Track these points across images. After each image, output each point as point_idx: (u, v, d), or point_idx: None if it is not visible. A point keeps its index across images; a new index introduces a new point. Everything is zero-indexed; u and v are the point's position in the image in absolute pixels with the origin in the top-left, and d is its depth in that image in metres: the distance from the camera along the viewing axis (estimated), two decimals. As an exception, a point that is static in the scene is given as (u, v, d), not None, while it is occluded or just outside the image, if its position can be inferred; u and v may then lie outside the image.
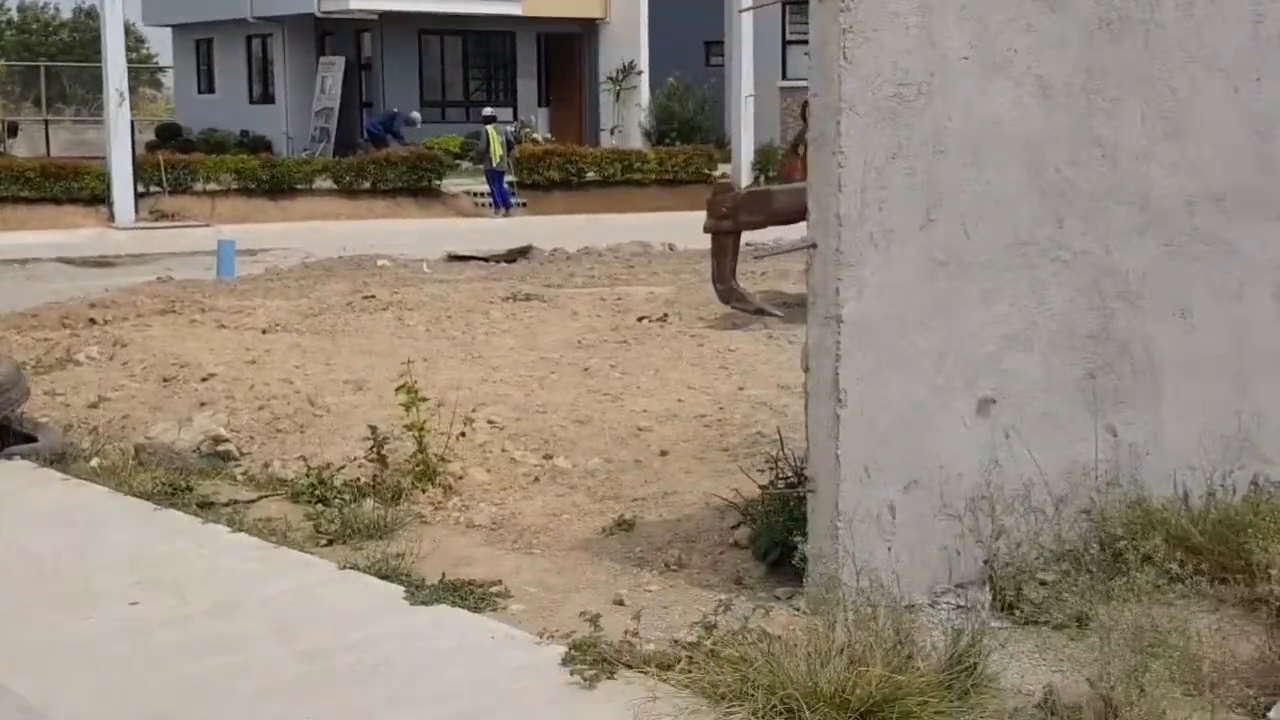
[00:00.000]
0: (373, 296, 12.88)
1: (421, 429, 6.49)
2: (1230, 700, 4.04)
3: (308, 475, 6.47)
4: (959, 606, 4.79)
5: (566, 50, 34.39)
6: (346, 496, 6.30)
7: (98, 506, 6.25)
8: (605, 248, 19.08)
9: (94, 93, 53.26)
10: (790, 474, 5.39)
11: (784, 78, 32.38)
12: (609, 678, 4.10)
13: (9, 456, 7.16)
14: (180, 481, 6.55)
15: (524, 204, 27.81)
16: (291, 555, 5.49)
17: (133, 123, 24.55)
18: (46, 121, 35.38)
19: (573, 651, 4.27)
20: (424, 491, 6.38)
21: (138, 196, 24.09)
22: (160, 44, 48.86)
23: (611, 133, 33.66)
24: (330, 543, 5.70)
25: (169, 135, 33.71)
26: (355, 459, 6.85)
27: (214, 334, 10.74)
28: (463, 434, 6.76)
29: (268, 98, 33.00)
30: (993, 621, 4.55)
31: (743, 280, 11.96)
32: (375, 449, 6.48)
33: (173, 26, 35.22)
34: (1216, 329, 5.51)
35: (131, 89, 58.15)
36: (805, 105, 5.63)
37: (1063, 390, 5.09)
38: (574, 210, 27.73)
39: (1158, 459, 5.31)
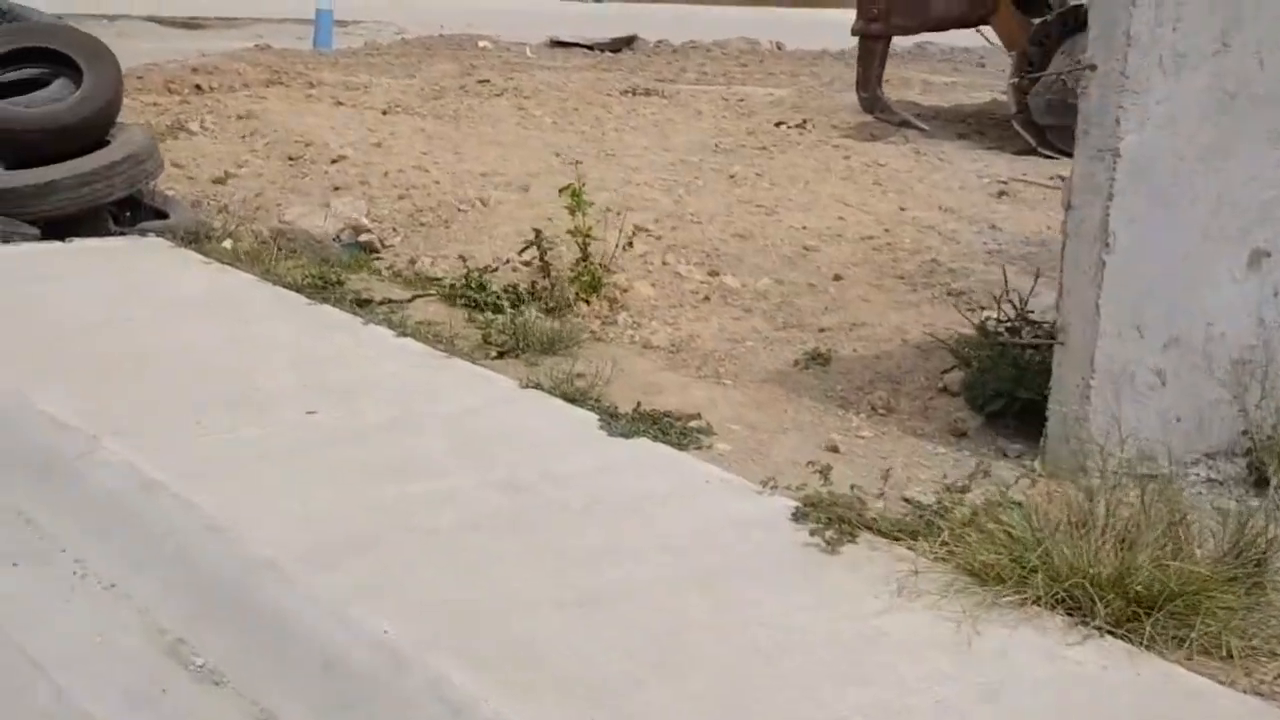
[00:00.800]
0: (487, 81, 12.30)
1: (588, 235, 6.05)
2: None
3: (466, 278, 6.05)
4: (1209, 480, 4.37)
5: None
6: (505, 303, 5.91)
7: (247, 296, 5.86)
8: (711, 43, 18.30)
9: None
10: (1011, 318, 4.93)
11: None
12: (851, 541, 3.70)
13: (143, 233, 6.78)
14: (330, 274, 6.15)
15: (617, -10, 26.86)
16: (463, 367, 5.09)
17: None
18: None
19: (805, 507, 3.87)
20: (588, 303, 5.97)
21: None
22: None
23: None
24: (500, 355, 5.30)
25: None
26: (507, 260, 6.43)
27: (332, 111, 10.25)
28: (630, 244, 6.31)
29: None
30: (1253, 500, 4.13)
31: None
32: (539, 254, 6.05)
33: None
34: None
35: None
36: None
37: (1342, 248, 4.58)
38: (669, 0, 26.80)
39: None
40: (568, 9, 24.97)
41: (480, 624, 3.09)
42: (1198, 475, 4.38)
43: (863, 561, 3.61)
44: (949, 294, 6.23)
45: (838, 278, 6.48)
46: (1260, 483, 4.35)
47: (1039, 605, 3.35)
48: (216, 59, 13.59)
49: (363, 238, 6.97)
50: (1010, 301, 4.93)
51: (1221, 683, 3.03)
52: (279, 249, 6.67)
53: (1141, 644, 3.14)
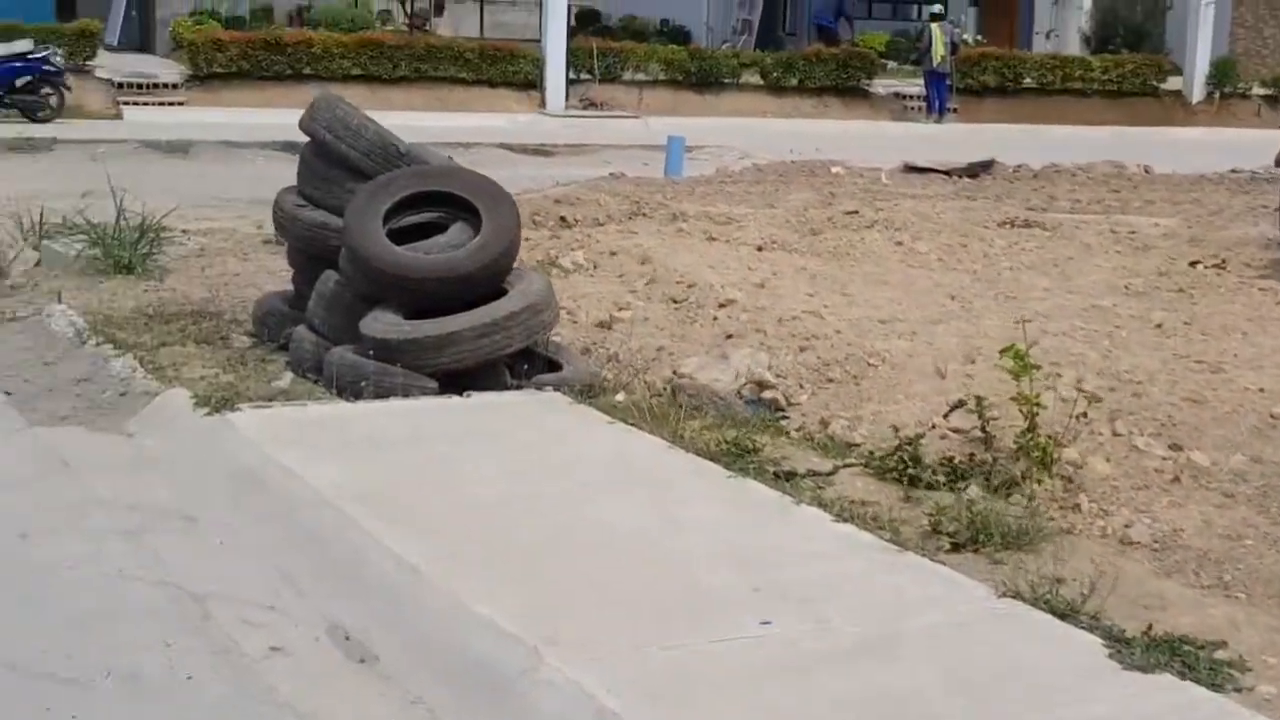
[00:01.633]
0: (855, 212, 11.75)
1: (1035, 403, 5.34)
2: None
3: (896, 447, 5.41)
4: None
5: (1003, -55, 32.17)
6: (940, 477, 5.26)
7: (660, 464, 5.37)
8: (1074, 166, 17.36)
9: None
10: None
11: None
12: None
13: (539, 386, 6.41)
14: (744, 439, 5.62)
15: (954, 110, 26.15)
16: (923, 566, 4.44)
17: (580, 8, 24.11)
18: (482, 4, 35.60)
19: None
20: (1039, 483, 5.24)
21: (568, 83, 23.73)
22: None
23: (1047, 37, 31.35)
24: (955, 548, 4.63)
25: (587, 21, 33.37)
26: (932, 425, 5.77)
27: (706, 247, 9.84)
28: (1084, 414, 5.56)
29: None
30: None
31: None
32: (981, 422, 5.38)
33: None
34: None
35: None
36: None
37: None
38: (1008, 119, 25.92)
39: None
40: (910, 130, 24.41)
41: None
42: None
43: None
44: None
45: (1325, 456, 5.57)
46: None
47: None
48: (576, 189, 13.50)
49: (766, 394, 6.43)
50: None
51: None
52: (679, 406, 6.19)
53: None
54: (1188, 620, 4.06)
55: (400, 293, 6.54)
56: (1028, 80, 27.18)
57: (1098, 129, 24.56)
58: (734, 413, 6.22)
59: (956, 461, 5.40)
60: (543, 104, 23.43)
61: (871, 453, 5.56)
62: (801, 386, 6.52)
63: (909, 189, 14.99)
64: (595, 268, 9.30)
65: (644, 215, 11.84)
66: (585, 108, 23.79)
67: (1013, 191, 14.87)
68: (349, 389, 6.26)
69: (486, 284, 6.53)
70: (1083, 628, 3.95)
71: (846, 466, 5.49)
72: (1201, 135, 25.29)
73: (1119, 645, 3.81)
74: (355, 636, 4.03)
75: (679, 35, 30.43)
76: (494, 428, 5.79)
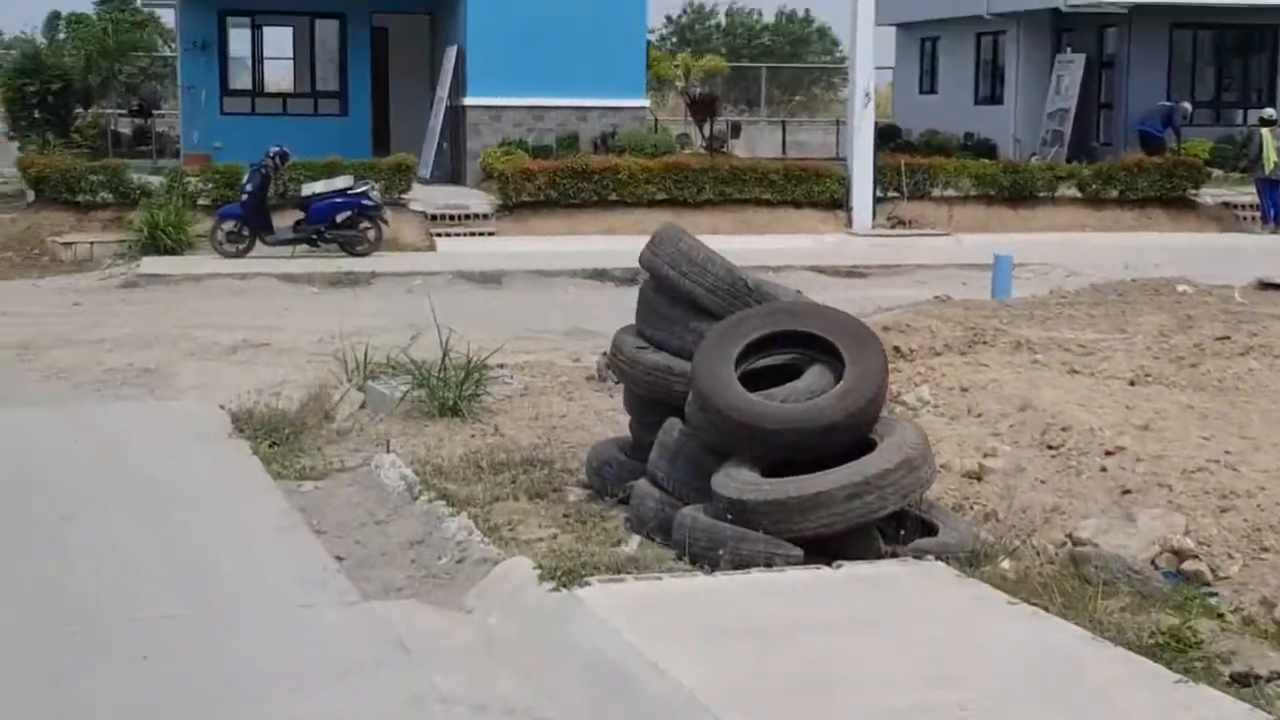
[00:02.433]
0: (1227, 338, 10.58)
1: None
2: None
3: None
4: None
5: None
6: None
7: (1086, 663, 4.49)
8: None
9: (789, 94, 54.03)
10: None
11: None
12: None
13: (918, 554, 5.61)
14: (1183, 630, 4.69)
15: (1292, 218, 24.30)
16: None
17: (878, 124, 23.53)
18: (784, 123, 35.52)
19: None
20: None
21: (875, 201, 23.03)
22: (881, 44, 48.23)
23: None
24: None
25: (887, 137, 32.71)
26: None
27: (1069, 381, 8.89)
28: None
29: (995, 98, 31.19)
30: None
31: None
32: None
33: (898, 25, 34.24)
34: None
35: (832, 88, 58.58)
36: None
37: None
38: (1353, 227, 23.93)
39: None
40: (1244, 241, 22.77)
41: None
42: None
43: None
44: None
45: None
46: None
47: None
48: (903, 314, 12.69)
49: (1187, 565, 5.48)
50: None
51: None
52: (1084, 579, 5.29)
53: None
54: None
55: (754, 445, 5.88)
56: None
57: None
58: (1151, 588, 5.29)
59: None
60: (849, 223, 22.77)
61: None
62: (1231, 556, 5.54)
63: (1272, 309, 13.64)
64: (948, 406, 8.47)
65: (984, 343, 10.95)
66: (893, 226, 23.02)
67: (1391, 310, 13.35)
68: (703, 556, 5.61)
69: (851, 435, 5.82)
70: None
71: (1315, 665, 4.50)
72: None
73: None
74: None
75: (984, 149, 29.44)
76: (879, 612, 5.01)
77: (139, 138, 31.12)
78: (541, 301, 16.63)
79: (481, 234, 21.34)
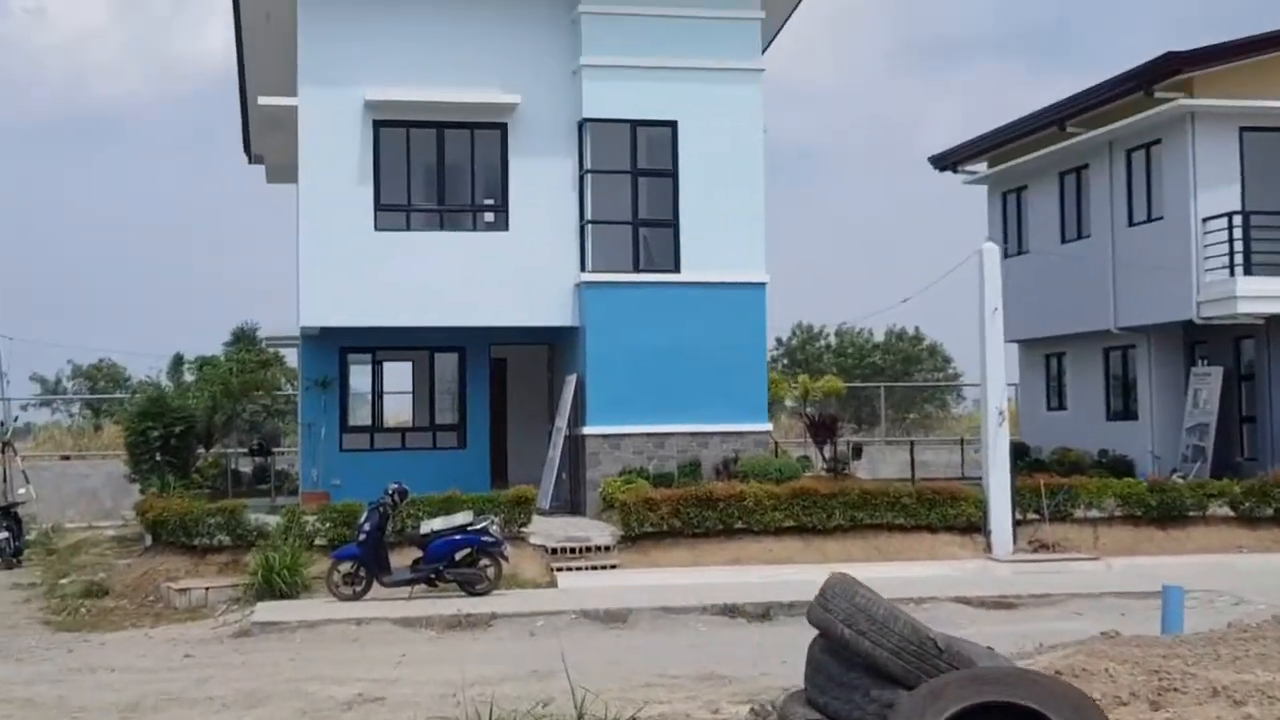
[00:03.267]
0: None
1: None
2: None
3: None
4: None
5: None
6: None
7: None
8: None
9: (902, 412, 53.45)
10: None
11: None
12: None
13: None
14: None
15: None
16: None
17: (1013, 444, 22.65)
18: (911, 443, 34.75)
19: None
20: None
21: (1014, 524, 21.94)
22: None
23: None
24: None
25: (1017, 456, 31.69)
26: None
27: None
28: None
29: (1128, 414, 30.22)
30: None
31: None
32: None
33: (1020, 342, 33.72)
34: None
35: (945, 405, 57.87)
36: None
37: None
38: None
39: None
40: None
41: None
42: None
43: None
44: None
45: None
46: None
47: None
48: (1073, 655, 11.50)
49: None
50: None
51: None
52: None
53: None
54: None
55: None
56: None
57: None
58: None
59: None
60: (989, 548, 21.64)
61: None
62: None
63: None
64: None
65: (1175, 690, 9.75)
66: (1035, 550, 21.84)
67: None
68: None
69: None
70: None
71: None
72: None
73: None
74: None
75: (1121, 466, 28.34)
76: None
77: (259, 476, 31.18)
78: (670, 642, 15.65)
79: (604, 567, 20.53)
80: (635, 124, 24.79)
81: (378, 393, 27.19)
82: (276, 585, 18.45)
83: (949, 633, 12.69)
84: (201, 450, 29.66)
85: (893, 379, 53.52)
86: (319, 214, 24.01)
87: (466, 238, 24.89)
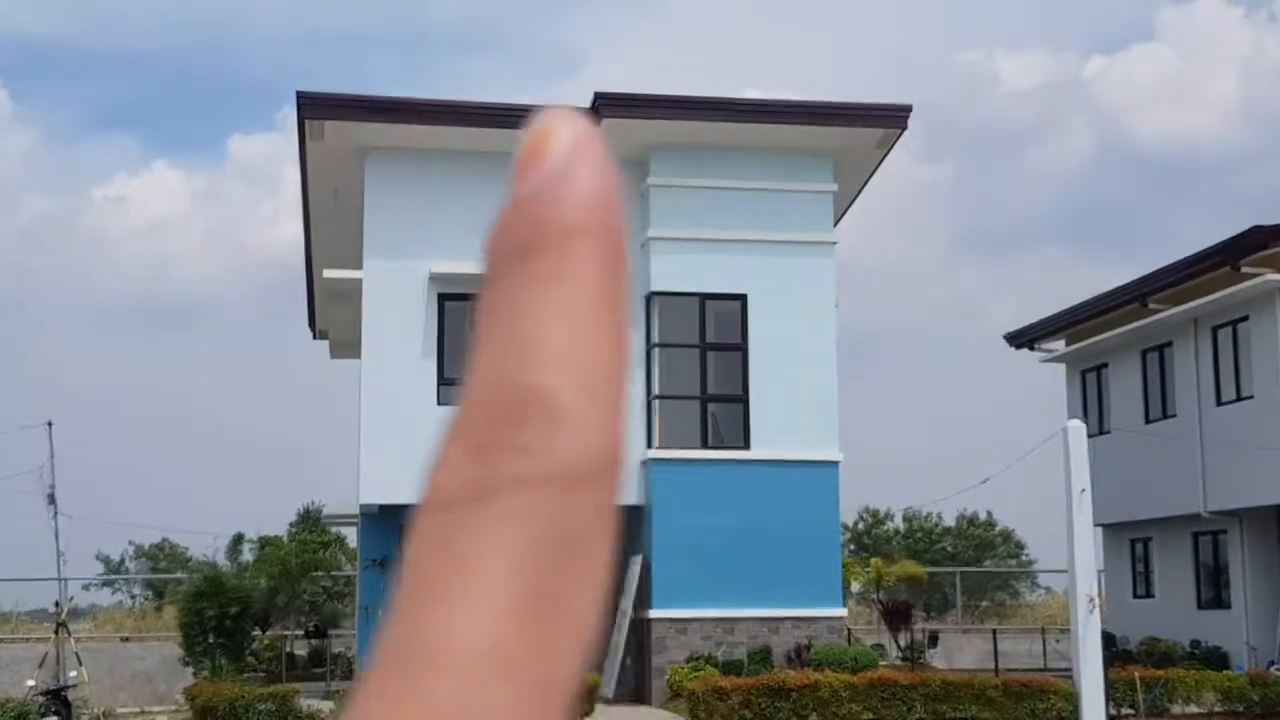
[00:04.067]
0: None
1: None
2: None
3: None
4: None
5: None
6: None
7: None
8: None
9: (973, 599, 51.77)
10: None
11: None
12: None
13: None
14: None
15: None
16: None
17: (1115, 635, 21.37)
18: (994, 631, 33.31)
19: None
20: None
21: (1109, 719, 20.56)
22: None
23: None
24: None
25: (1103, 645, 30.30)
26: None
27: None
28: None
29: (1220, 602, 28.79)
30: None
31: None
32: None
33: (1104, 526, 32.47)
34: None
35: (1018, 594, 56.03)
36: None
37: None
38: None
39: None
40: None
41: None
42: None
43: None
44: None
45: None
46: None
47: None
48: None
49: None
50: None
51: None
52: None
53: None
54: None
55: None
56: None
57: None
58: None
59: None
60: (1081, 749, 20.27)
61: None
62: None
63: None
64: None
65: None
66: (1132, 748, 20.47)
67: None
68: None
69: None
70: None
71: None
72: None
73: None
74: None
75: (1214, 658, 26.85)
76: None
77: (315, 659, 30.25)
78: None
79: (672, 763, 19.38)
80: (704, 297, 24.30)
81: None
82: (325, 776, 17.49)
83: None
84: (257, 632, 28.86)
85: (964, 565, 52.01)
86: (381, 388, 23.57)
87: (531, 413, 24.27)
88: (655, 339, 24.13)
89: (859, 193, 26.79)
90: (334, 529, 34.61)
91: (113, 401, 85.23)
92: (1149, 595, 31.58)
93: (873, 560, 33.96)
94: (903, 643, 29.08)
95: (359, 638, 25.84)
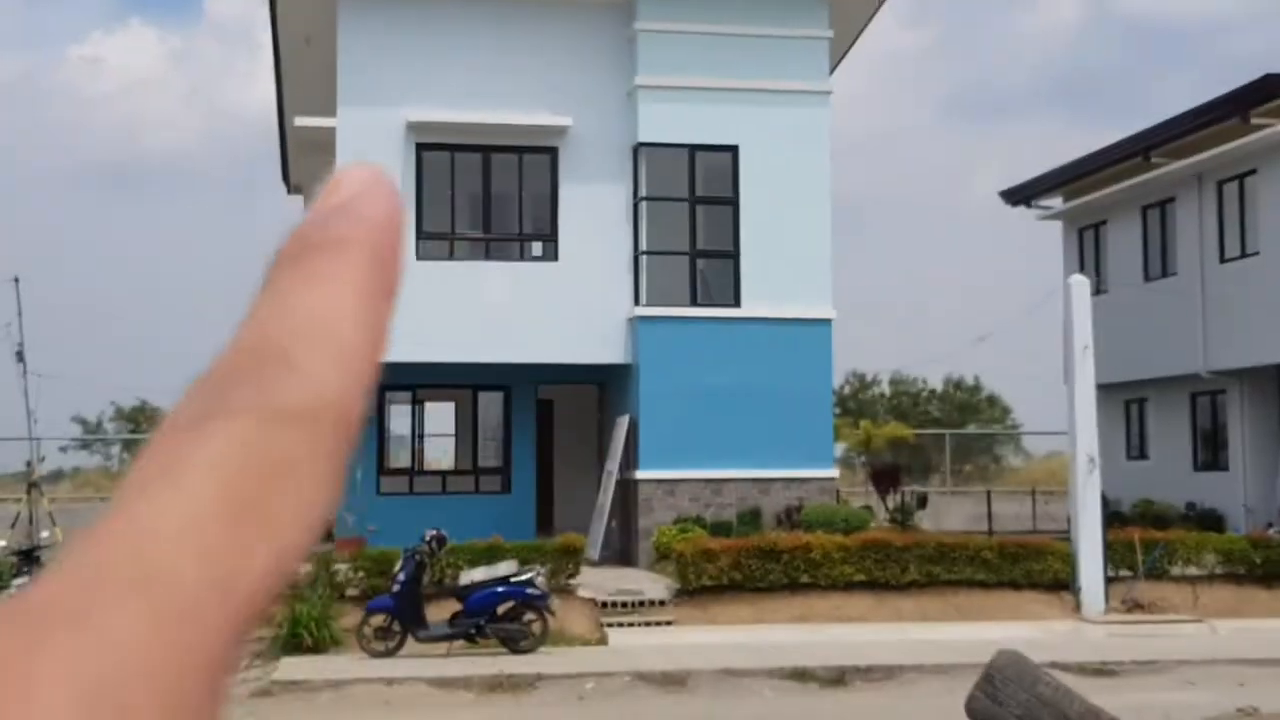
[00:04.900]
0: None
1: None
2: None
3: None
4: None
5: None
6: None
7: None
8: None
9: (956, 463, 51.40)
10: None
11: None
12: None
13: None
14: None
15: None
16: None
17: (1109, 496, 20.88)
18: (988, 493, 32.95)
19: None
20: None
21: (1106, 582, 20.10)
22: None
23: None
24: None
25: (1094, 508, 29.87)
26: None
27: None
28: None
29: (1218, 464, 28.29)
30: None
31: None
32: None
33: (1098, 387, 31.82)
34: None
35: (998, 458, 55.83)
36: None
37: None
38: None
39: None
40: None
41: None
42: None
43: None
44: None
45: None
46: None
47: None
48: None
49: None
50: None
51: None
52: None
53: None
54: None
55: None
56: None
57: None
58: None
59: None
60: (1078, 607, 19.81)
61: None
62: None
63: None
64: None
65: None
66: (1129, 610, 19.97)
67: None
68: None
69: None
70: None
71: None
72: None
73: None
74: None
75: (1210, 520, 26.44)
76: None
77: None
78: (736, 711, 13.97)
79: (658, 623, 18.85)
80: (694, 148, 23.26)
81: (418, 434, 25.66)
82: (303, 639, 16.90)
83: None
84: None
85: (950, 428, 51.68)
86: (357, 242, 22.56)
87: (513, 268, 23.42)
88: (642, 192, 23.16)
89: (856, 39, 25.64)
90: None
91: (90, 263, 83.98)
92: (1143, 457, 31.10)
93: (862, 423, 33.42)
94: (891, 506, 28.66)
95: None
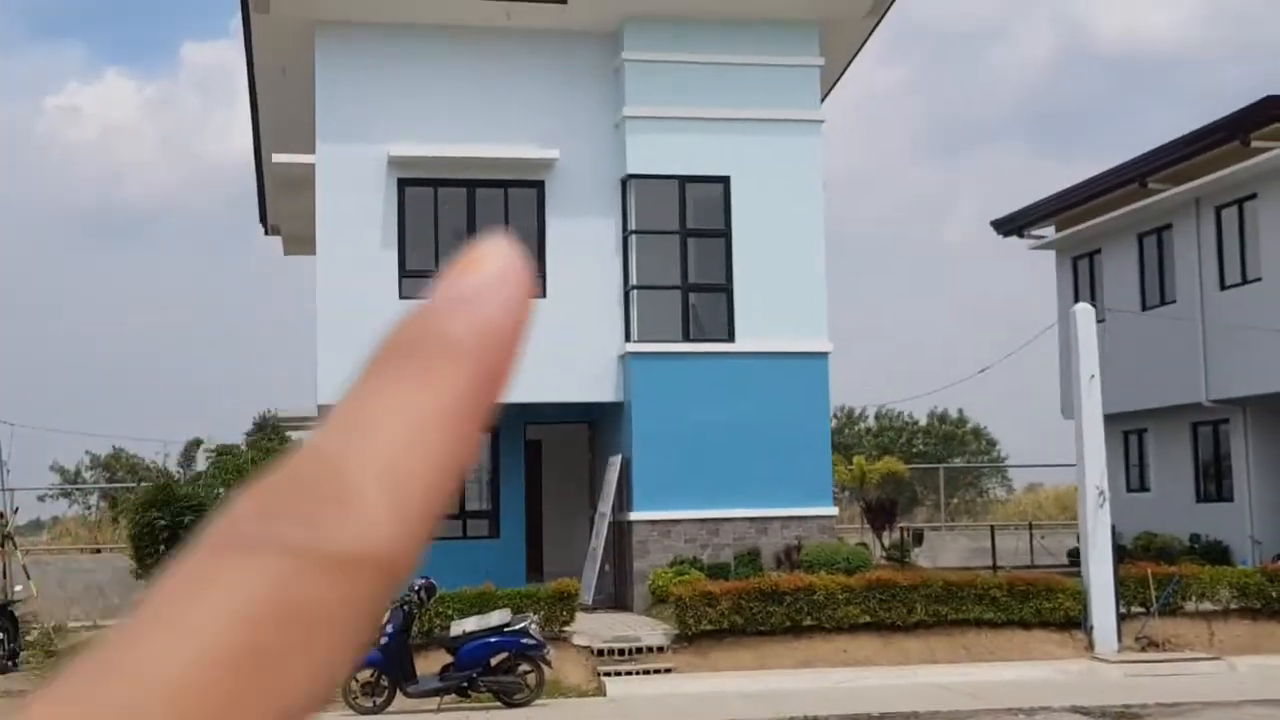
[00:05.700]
0: None
1: None
2: None
3: None
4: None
5: None
6: None
7: None
8: None
9: (946, 496, 50.78)
10: None
11: None
12: None
13: None
14: None
15: None
16: None
17: (1113, 529, 20.26)
18: (992, 528, 32.27)
19: None
20: None
21: (1119, 618, 19.44)
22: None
23: None
24: None
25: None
26: None
27: None
28: None
29: (1222, 494, 27.69)
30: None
31: None
32: None
33: (1095, 419, 31.30)
34: None
35: (984, 492, 55.22)
36: None
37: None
38: None
39: None
40: None
41: None
42: None
43: None
44: None
45: None
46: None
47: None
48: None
49: None
50: None
51: None
52: None
53: None
54: None
55: None
56: None
57: None
58: None
59: None
60: (1090, 646, 19.14)
61: None
62: None
63: None
64: None
65: None
66: (1144, 649, 19.31)
67: None
68: None
69: None
70: None
71: None
72: None
73: None
74: None
75: (1215, 552, 25.83)
76: None
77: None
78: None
79: (657, 670, 18.12)
80: (684, 180, 22.66)
81: (404, 478, 24.88)
82: (286, 696, 16.10)
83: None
84: (213, 542, 27.41)
85: (933, 463, 51.13)
86: (339, 282, 21.90)
87: (500, 306, 22.69)
88: (632, 225, 22.54)
89: (847, 67, 25.14)
90: (291, 433, 33.04)
91: (65, 311, 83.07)
92: (1144, 489, 30.48)
93: (855, 458, 32.74)
94: (887, 542, 28.00)
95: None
